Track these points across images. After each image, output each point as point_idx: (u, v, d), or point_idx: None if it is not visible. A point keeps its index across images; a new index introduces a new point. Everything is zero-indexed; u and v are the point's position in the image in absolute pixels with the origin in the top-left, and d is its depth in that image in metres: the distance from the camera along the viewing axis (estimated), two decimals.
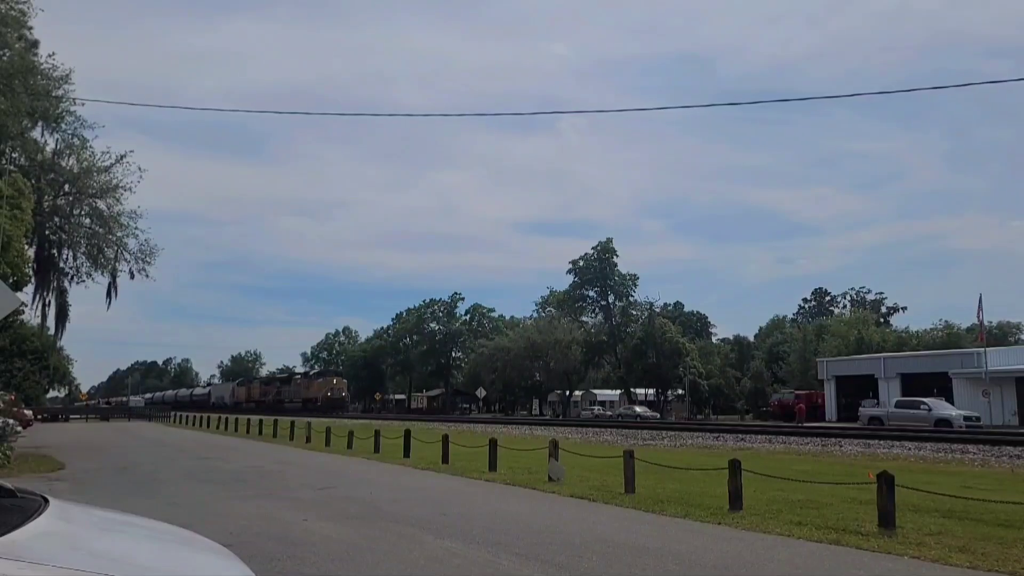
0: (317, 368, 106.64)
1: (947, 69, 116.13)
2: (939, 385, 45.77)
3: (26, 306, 28.32)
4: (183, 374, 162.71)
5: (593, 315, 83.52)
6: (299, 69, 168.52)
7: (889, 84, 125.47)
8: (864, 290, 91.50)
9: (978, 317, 43.42)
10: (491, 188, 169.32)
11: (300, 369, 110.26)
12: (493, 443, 15.67)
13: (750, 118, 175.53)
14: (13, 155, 26.05)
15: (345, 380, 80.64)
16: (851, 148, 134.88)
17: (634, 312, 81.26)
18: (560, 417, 61.69)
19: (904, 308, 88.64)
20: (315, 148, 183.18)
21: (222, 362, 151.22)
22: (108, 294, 31.48)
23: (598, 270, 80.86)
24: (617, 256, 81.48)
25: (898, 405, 38.58)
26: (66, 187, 29.19)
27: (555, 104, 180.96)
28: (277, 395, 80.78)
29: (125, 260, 30.97)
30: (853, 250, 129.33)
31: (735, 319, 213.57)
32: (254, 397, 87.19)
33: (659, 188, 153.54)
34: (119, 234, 30.39)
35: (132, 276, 31.32)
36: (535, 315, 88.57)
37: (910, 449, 19.38)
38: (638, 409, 63.88)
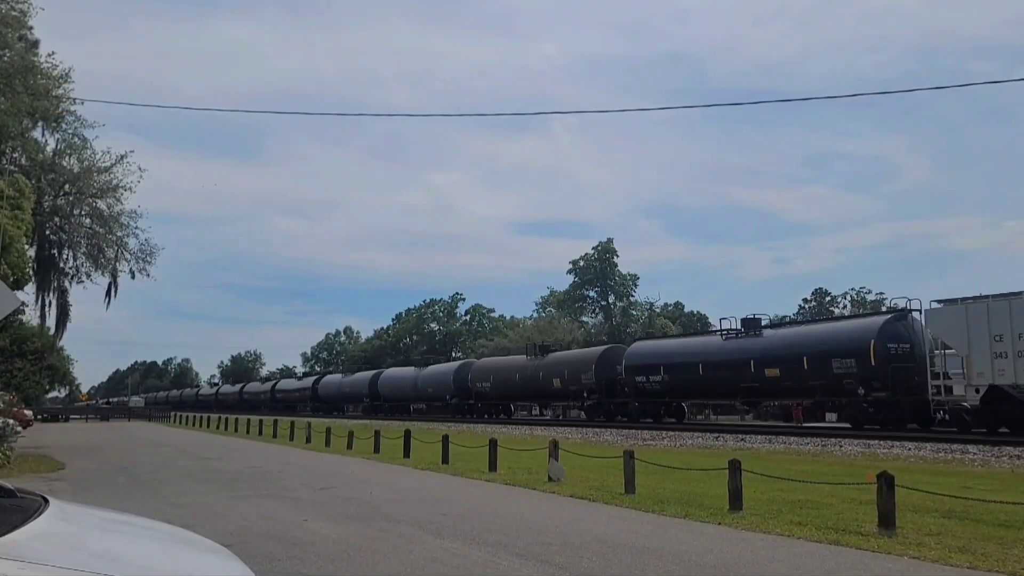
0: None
1: (936, 70, 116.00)
2: None
3: (26, 306, 28.38)
4: (183, 374, 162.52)
5: (593, 315, 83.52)
6: (288, 69, 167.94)
7: (877, 85, 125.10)
8: (864, 290, 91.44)
9: None
10: (485, 188, 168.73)
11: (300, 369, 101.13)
12: (493, 443, 15.67)
13: (742, 118, 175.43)
14: (14, 155, 26.05)
15: None
16: (842, 148, 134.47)
17: (634, 312, 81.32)
18: (560, 417, 61.70)
19: None
20: (307, 148, 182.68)
21: (222, 362, 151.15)
22: (108, 294, 31.52)
23: (598, 270, 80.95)
24: (617, 256, 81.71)
25: None
26: (66, 187, 29.20)
27: (544, 103, 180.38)
28: None
29: (125, 260, 31.04)
30: (849, 250, 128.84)
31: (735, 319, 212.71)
32: None
33: (653, 188, 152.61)
34: (119, 234, 30.45)
35: (133, 276, 31.38)
36: (535, 315, 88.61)
37: (910, 449, 19.36)
38: None
